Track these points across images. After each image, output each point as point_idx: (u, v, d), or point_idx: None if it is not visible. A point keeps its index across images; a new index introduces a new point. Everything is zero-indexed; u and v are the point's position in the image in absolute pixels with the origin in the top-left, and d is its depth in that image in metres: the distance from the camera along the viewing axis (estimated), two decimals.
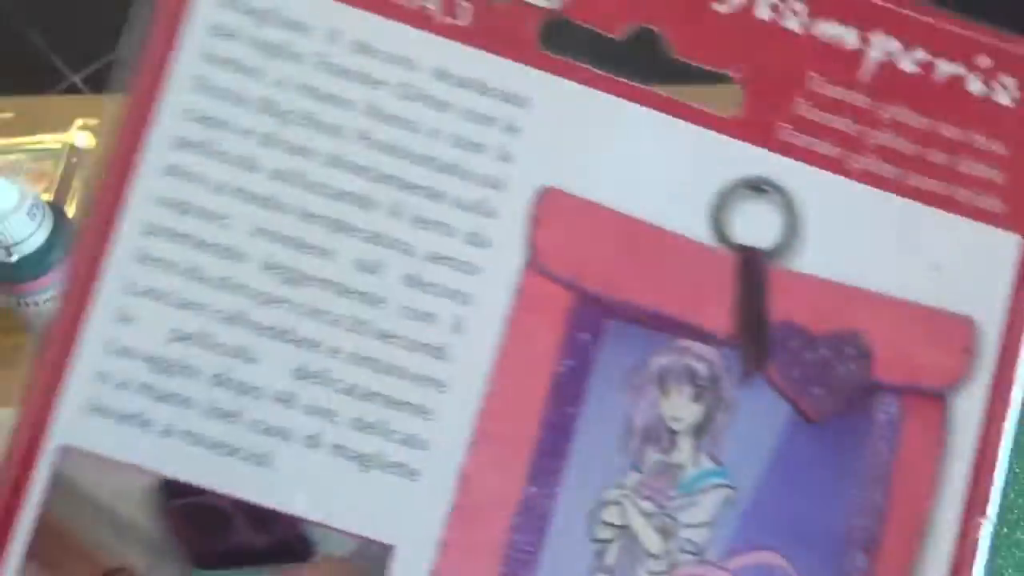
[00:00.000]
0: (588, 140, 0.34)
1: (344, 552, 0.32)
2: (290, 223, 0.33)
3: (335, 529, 0.32)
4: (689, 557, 0.33)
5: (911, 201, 0.35)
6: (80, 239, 0.32)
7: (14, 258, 0.75)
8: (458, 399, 0.33)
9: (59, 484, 0.31)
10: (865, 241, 0.34)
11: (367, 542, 0.32)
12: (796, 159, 0.34)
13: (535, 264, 0.33)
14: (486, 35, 0.34)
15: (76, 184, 0.91)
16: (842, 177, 0.34)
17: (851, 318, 0.34)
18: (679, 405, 0.33)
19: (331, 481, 0.32)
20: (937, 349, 0.34)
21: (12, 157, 0.92)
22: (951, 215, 0.34)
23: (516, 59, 0.34)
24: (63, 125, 0.94)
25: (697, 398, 0.34)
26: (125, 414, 0.32)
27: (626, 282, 0.34)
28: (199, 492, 0.32)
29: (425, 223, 0.33)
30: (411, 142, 0.33)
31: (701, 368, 0.34)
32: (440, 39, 0.34)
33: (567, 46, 0.35)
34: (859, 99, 0.34)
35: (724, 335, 0.34)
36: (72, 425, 0.32)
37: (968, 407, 0.34)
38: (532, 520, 0.33)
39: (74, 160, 0.92)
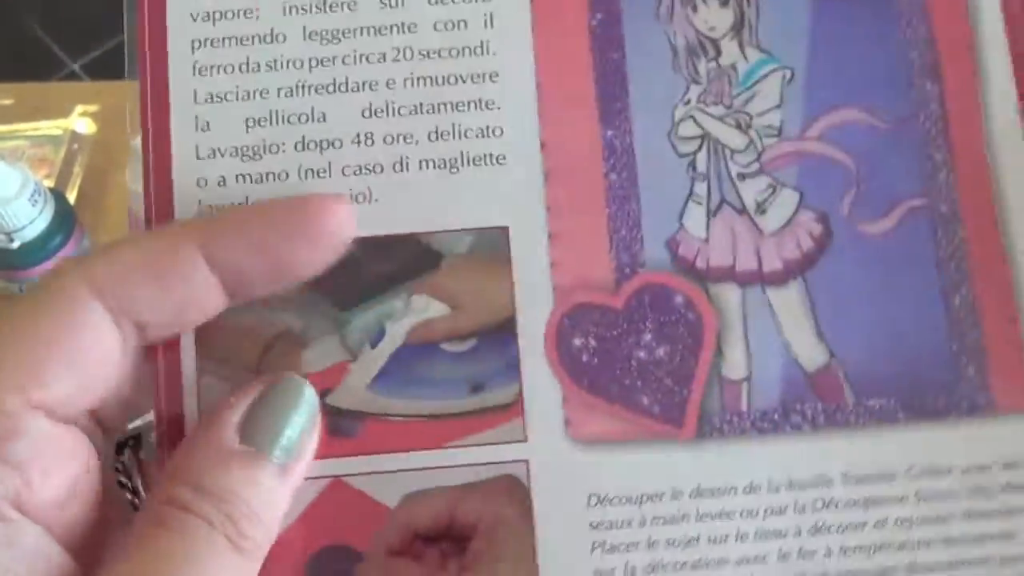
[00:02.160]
0: None
1: (463, 248, 0.34)
2: None
3: (449, 231, 0.34)
4: (772, 140, 0.35)
5: None
6: (141, 69, 0.35)
7: (16, 244, 0.77)
8: (513, 82, 0.35)
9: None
10: None
11: (481, 232, 0.34)
12: None
13: None
14: None
15: (77, 170, 0.93)
16: None
17: None
18: (710, 15, 0.35)
19: (430, 192, 0.34)
20: None
21: (13, 143, 0.94)
22: None
23: None
24: (63, 112, 0.96)
25: (724, 3, 0.35)
26: (233, 204, 0.34)
27: None
28: None
29: None
30: None
31: None
32: None
33: None
34: None
35: None
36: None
37: None
38: (619, 159, 0.35)
39: (75, 146, 0.94)
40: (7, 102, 0.98)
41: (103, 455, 0.32)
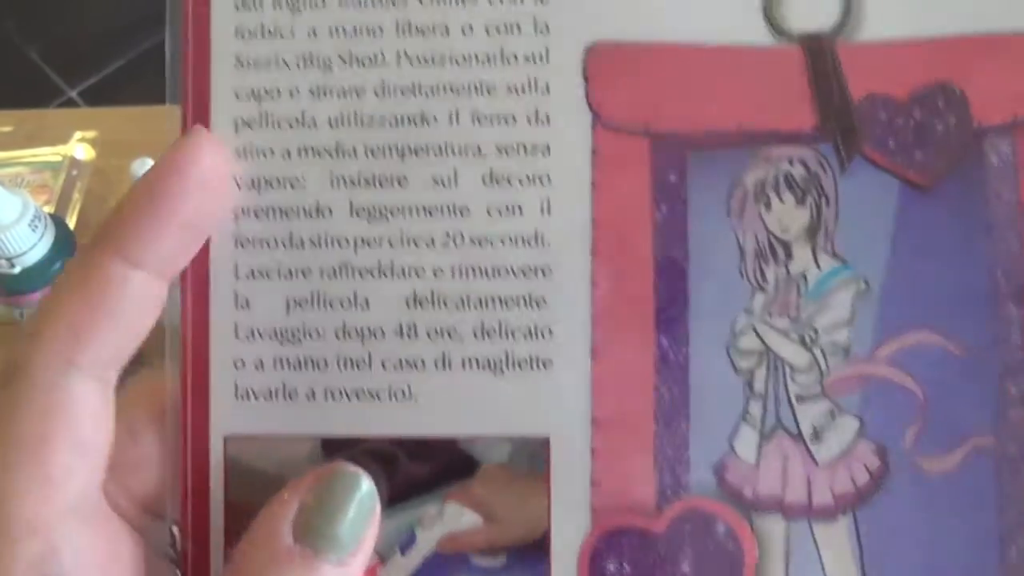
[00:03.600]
0: None
1: (503, 457, 0.33)
2: (360, 164, 0.33)
3: (488, 438, 0.33)
4: (837, 361, 0.33)
5: None
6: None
7: (17, 269, 0.77)
8: (566, 279, 0.33)
9: (230, 469, 0.33)
10: None
11: (522, 442, 0.33)
12: None
13: (602, 123, 0.33)
14: None
15: (76, 196, 0.93)
16: None
17: (935, 71, 0.33)
18: (784, 213, 0.33)
19: (471, 394, 0.33)
20: None
21: (13, 170, 0.94)
22: None
23: None
24: (62, 138, 0.97)
25: (800, 201, 0.33)
26: (269, 390, 0.33)
27: (697, 110, 0.33)
28: (357, 441, 0.33)
29: (484, 118, 0.33)
30: (448, 45, 0.33)
31: (796, 170, 0.33)
32: None
33: None
34: None
35: (810, 130, 0.33)
36: (226, 415, 0.33)
37: None
38: (672, 371, 0.33)
39: (74, 172, 0.95)
40: (6, 129, 0.98)
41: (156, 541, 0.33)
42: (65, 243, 0.80)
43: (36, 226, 0.77)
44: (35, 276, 0.78)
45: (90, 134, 0.97)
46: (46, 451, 0.30)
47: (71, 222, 0.90)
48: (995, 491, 0.32)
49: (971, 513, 0.32)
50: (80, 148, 0.96)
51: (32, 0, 1.76)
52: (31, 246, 0.77)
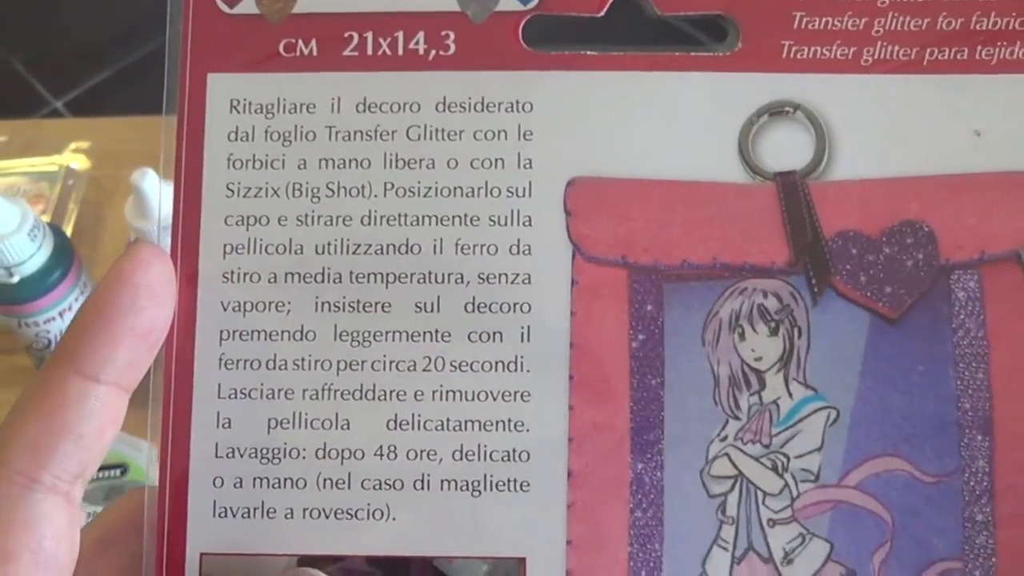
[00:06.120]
0: (599, 121, 0.35)
1: None
2: (345, 289, 0.34)
3: (464, 558, 0.33)
4: (808, 485, 0.34)
5: (932, 75, 0.35)
6: (167, 357, 0.34)
7: (15, 279, 0.77)
8: (545, 404, 0.34)
9: None
10: (897, 130, 0.34)
11: (497, 562, 0.33)
12: (807, 72, 0.35)
13: (582, 254, 0.34)
14: (474, 56, 0.35)
15: (72, 206, 0.94)
16: (857, 75, 0.34)
17: (905, 209, 0.34)
18: (758, 344, 0.34)
19: (448, 515, 0.34)
20: (1001, 212, 0.34)
21: (9, 180, 0.95)
22: (979, 75, 0.34)
23: (508, 68, 0.35)
24: (57, 148, 0.98)
25: (774, 332, 0.34)
26: (248, 509, 0.34)
27: (675, 244, 0.34)
28: (334, 560, 0.33)
29: (468, 248, 0.34)
30: (433, 177, 0.34)
31: (770, 302, 0.34)
32: (433, 74, 0.35)
33: (553, 39, 0.35)
34: None
35: (784, 264, 0.34)
36: (204, 532, 0.34)
37: None
38: (647, 496, 0.34)
39: (70, 182, 0.96)
40: (1, 139, 1.00)
41: None
42: (64, 252, 0.79)
43: (35, 235, 0.77)
44: (34, 285, 0.78)
45: (85, 144, 0.98)
46: (9, 568, 0.30)
47: (67, 231, 0.91)
48: None
49: None
50: (75, 158, 0.98)
51: (17, 10, 1.77)
52: (30, 255, 0.76)
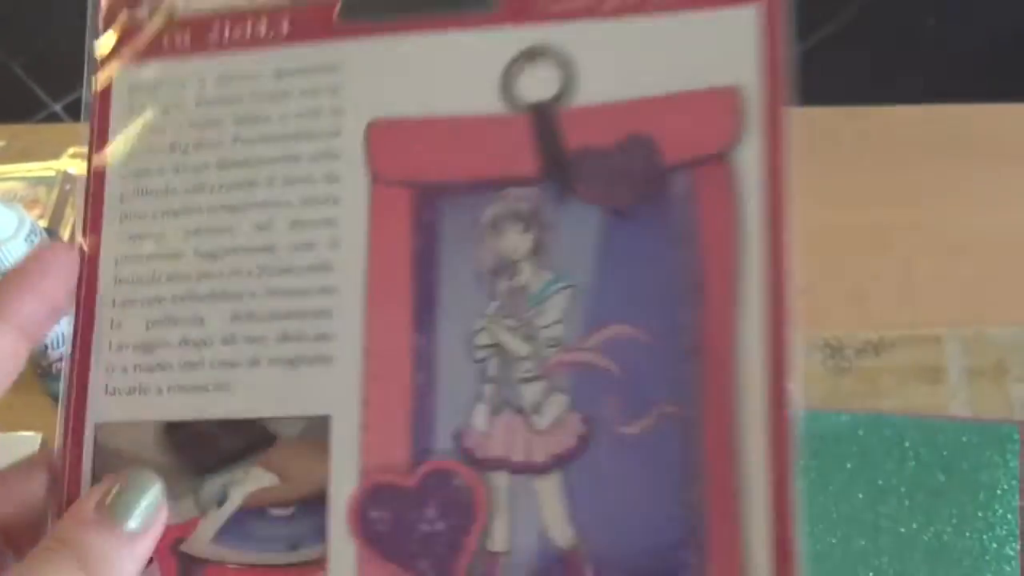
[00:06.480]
0: (394, 74, 0.44)
1: (296, 432, 0.42)
2: (202, 220, 0.44)
3: (284, 417, 0.42)
4: (552, 350, 0.41)
5: (656, 15, 0.42)
6: (79, 284, 0.45)
7: None
8: (347, 296, 0.43)
9: (99, 452, 0.44)
10: (630, 62, 0.42)
11: (309, 419, 0.42)
12: (555, 21, 0.43)
13: (378, 179, 0.43)
14: (301, 32, 0.45)
15: (69, 211, 0.96)
16: (598, 20, 0.43)
17: (635, 125, 0.42)
18: (513, 239, 0.42)
19: (273, 384, 0.43)
20: (711, 120, 0.41)
21: (6, 185, 0.97)
22: (692, 12, 0.42)
23: (325, 39, 0.45)
24: (54, 153, 1.00)
25: (526, 229, 0.42)
26: (129, 388, 0.44)
27: (448, 165, 0.43)
28: (189, 425, 0.43)
29: (294, 179, 0.44)
30: (270, 128, 0.45)
31: (523, 206, 0.42)
32: (272, 49, 0.45)
33: (369, 10, 0.45)
34: None
35: (536, 175, 0.42)
36: (99, 407, 0.44)
37: (749, 157, 0.41)
38: (425, 362, 0.42)
39: (67, 187, 0.97)
40: None
41: None
42: None
43: (32, 240, 0.79)
44: None
45: (83, 149, 1.01)
46: None
47: (64, 236, 0.93)
48: (677, 450, 0.40)
49: (658, 467, 0.40)
50: (73, 163, 0.98)
51: (15, 14, 1.76)
52: None
